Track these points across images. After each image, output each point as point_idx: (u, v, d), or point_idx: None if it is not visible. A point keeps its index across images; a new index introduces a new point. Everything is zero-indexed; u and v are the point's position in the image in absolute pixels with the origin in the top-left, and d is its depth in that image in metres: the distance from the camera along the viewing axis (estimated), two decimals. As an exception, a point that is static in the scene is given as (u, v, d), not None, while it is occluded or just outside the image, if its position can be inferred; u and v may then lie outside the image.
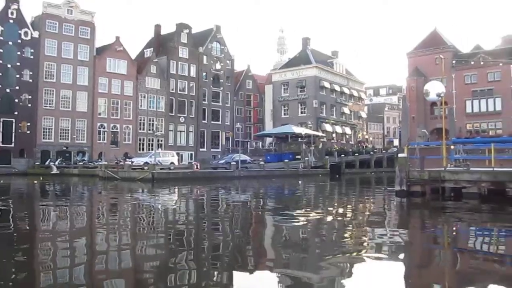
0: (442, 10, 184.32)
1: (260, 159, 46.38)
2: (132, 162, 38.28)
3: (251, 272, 6.38)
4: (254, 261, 7.21)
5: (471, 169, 16.36)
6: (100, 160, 45.14)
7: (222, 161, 43.49)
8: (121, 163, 37.71)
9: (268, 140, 63.26)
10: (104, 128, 52.07)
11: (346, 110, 68.68)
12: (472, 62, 52.94)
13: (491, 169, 15.76)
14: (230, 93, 65.30)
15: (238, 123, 61.05)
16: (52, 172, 39.13)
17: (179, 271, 6.32)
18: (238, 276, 6.09)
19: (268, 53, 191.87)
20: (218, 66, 63.04)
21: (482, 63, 52.36)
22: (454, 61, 54.15)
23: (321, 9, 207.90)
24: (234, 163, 38.85)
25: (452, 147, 19.24)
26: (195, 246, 8.32)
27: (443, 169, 16.88)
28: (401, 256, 7.66)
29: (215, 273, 6.31)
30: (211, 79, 62.46)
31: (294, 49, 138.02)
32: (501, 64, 50.59)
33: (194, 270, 6.41)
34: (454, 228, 10.87)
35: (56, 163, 44.59)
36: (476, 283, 5.84)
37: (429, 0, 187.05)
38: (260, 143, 66.59)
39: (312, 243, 8.86)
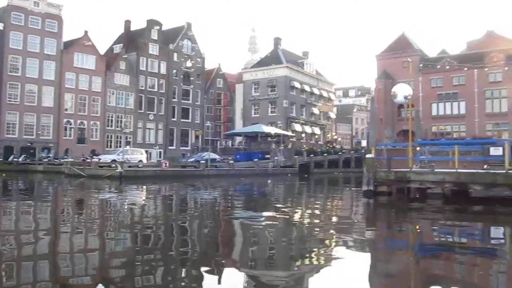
0: (410, 15, 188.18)
1: (230, 158, 46.29)
2: (99, 159, 37.63)
3: (219, 271, 6.37)
4: (222, 260, 7.20)
5: (436, 170, 16.77)
6: (66, 156, 44.18)
7: (192, 160, 43.27)
8: (88, 160, 37.02)
9: (238, 139, 63.24)
10: (70, 124, 51.00)
11: (315, 110, 69.31)
12: (438, 66, 54.20)
13: (455, 170, 16.20)
14: (201, 91, 64.96)
15: (208, 122, 60.94)
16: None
17: (146, 271, 6.26)
18: (206, 276, 6.07)
19: (239, 52, 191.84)
20: (188, 63, 62.61)
21: (447, 67, 53.71)
22: (421, 65, 55.31)
23: (292, 9, 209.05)
24: (204, 161, 38.68)
25: (418, 148, 19.66)
26: (162, 246, 8.25)
27: (409, 170, 17.25)
28: (368, 255, 7.79)
29: (183, 273, 6.27)
30: (182, 76, 62.00)
31: (266, 49, 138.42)
32: (465, 69, 51.97)
33: (161, 270, 6.35)
34: (418, 228, 11.12)
35: (20, 159, 43.44)
36: (439, 282, 5.98)
37: (398, 4, 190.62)
38: (230, 142, 66.51)
39: (280, 242, 8.91)
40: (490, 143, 18.41)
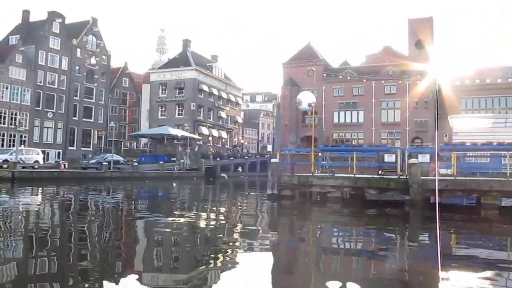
0: (316, 26, 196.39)
1: (134, 160, 45.10)
2: (-11, 159, 34.65)
3: (120, 278, 6.14)
4: (124, 266, 6.95)
5: (336, 175, 17.63)
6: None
7: (93, 161, 41.54)
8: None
9: (143, 140, 61.73)
10: (-45, 120, 46.43)
11: (223, 114, 69.70)
12: (340, 77, 57.08)
13: (353, 175, 17.14)
14: (105, 90, 62.39)
15: (112, 122, 58.64)
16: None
17: (40, 281, 5.86)
18: (107, 283, 5.82)
19: (147, 52, 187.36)
20: (93, 60, 59.90)
21: (348, 78, 56.72)
22: (324, 74, 57.83)
23: (202, 12, 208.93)
24: (106, 163, 37.28)
25: (319, 154, 20.52)
26: (59, 253, 7.78)
27: (311, 174, 17.95)
28: (270, 257, 7.95)
29: (81, 281, 5.95)
30: (85, 74, 59.10)
31: (174, 50, 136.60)
32: (364, 80, 55.27)
33: (57, 280, 5.98)
34: (318, 230, 11.57)
35: None
36: (339, 278, 6.25)
37: (305, 15, 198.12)
38: (135, 143, 64.73)
39: (184, 246, 8.81)
40: (385, 150, 19.72)
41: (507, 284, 5.95)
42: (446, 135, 35.41)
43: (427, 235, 10.83)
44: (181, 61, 65.20)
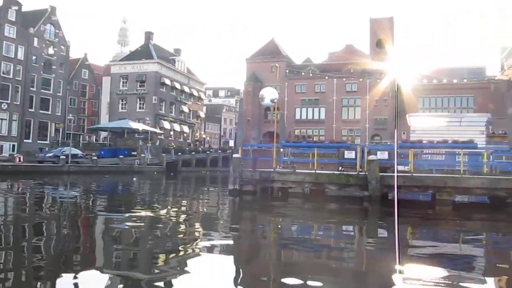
0: (280, 22, 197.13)
1: (93, 153, 44.10)
2: None
3: (78, 273, 6.00)
4: (82, 263, 6.80)
5: (297, 171, 17.80)
6: None
7: (50, 154, 40.32)
8: None
9: (103, 134, 60.41)
10: None
11: (185, 108, 69.05)
12: (303, 73, 57.53)
13: (314, 171, 17.35)
14: (63, 81, 60.59)
15: (71, 115, 57.15)
16: None
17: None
18: (64, 280, 5.67)
19: (108, 43, 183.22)
20: (51, 50, 58.02)
21: (311, 75, 57.28)
22: (287, 71, 58.18)
23: (164, 4, 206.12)
24: (64, 157, 36.31)
25: (281, 150, 20.65)
26: (13, 249, 7.53)
27: (273, 170, 18.05)
28: (232, 252, 7.95)
29: (37, 277, 5.78)
30: (42, 64, 57.17)
31: (136, 42, 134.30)
32: (326, 78, 55.98)
33: (11, 276, 5.78)
34: (279, 225, 11.67)
35: None
36: (299, 271, 6.32)
37: (268, 10, 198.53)
38: (94, 137, 63.30)
39: (144, 242, 8.70)
40: (345, 147, 20.03)
41: (461, 276, 6.16)
42: (404, 133, 36.30)
43: (385, 229, 11.11)
44: (143, 53, 64.09)
